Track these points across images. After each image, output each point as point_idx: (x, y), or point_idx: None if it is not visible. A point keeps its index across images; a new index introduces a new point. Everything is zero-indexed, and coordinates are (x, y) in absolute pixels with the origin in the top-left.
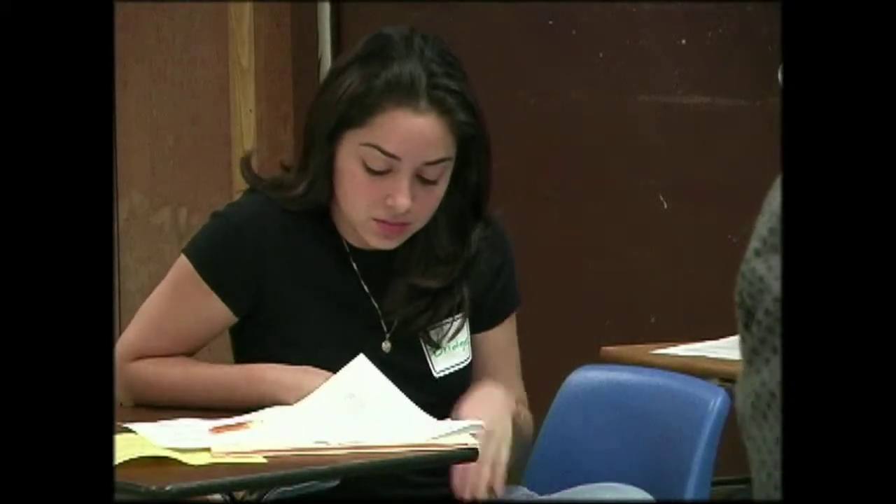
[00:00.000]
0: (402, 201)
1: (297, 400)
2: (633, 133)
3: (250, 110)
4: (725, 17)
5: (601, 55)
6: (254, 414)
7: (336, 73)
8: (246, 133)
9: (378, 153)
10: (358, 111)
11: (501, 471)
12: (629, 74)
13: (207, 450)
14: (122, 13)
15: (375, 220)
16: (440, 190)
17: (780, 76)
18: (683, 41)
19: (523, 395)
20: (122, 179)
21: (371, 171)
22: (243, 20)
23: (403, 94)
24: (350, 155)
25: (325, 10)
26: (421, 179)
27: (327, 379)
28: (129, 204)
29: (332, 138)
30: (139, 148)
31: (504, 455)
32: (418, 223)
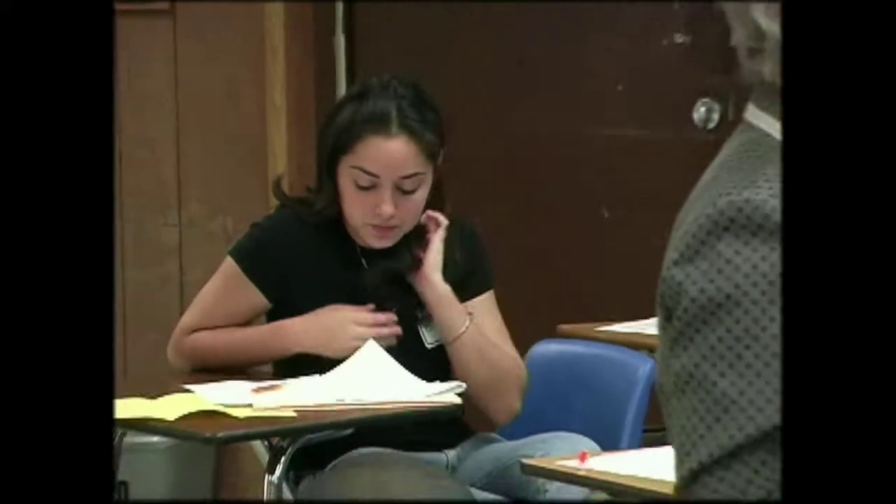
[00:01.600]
0: (387, 209)
1: (316, 339)
2: (583, 156)
3: (282, 139)
4: (651, 68)
5: (561, 90)
6: (286, 380)
7: (331, 112)
8: (280, 158)
9: (362, 173)
10: (345, 141)
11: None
12: (581, 107)
13: (250, 406)
14: (184, 70)
15: (370, 225)
16: (419, 197)
17: (693, 114)
18: (619, 87)
19: (513, 350)
20: (184, 193)
21: (360, 188)
22: (278, 71)
23: (378, 123)
24: (344, 177)
25: (342, 62)
26: (401, 191)
27: (338, 311)
28: (189, 212)
29: (332, 165)
30: (195, 170)
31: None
32: (405, 225)
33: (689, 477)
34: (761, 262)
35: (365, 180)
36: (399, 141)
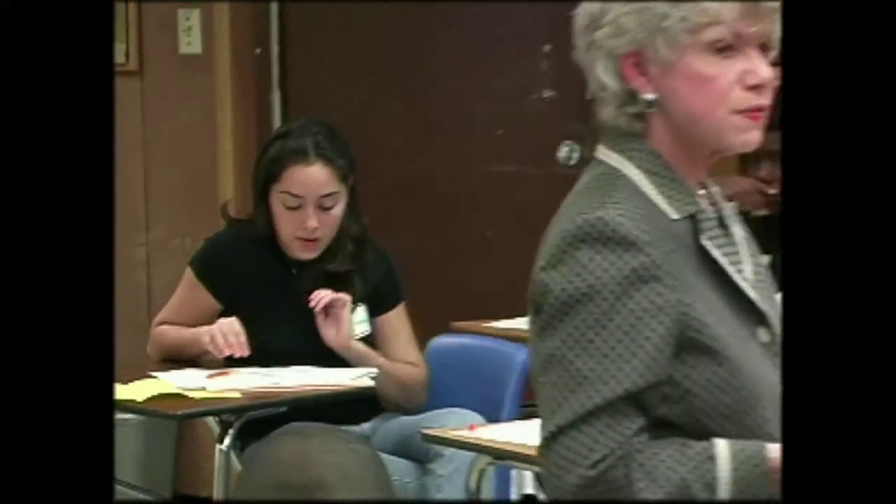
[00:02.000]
0: (311, 224)
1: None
2: (471, 187)
3: (229, 176)
4: (524, 116)
5: (454, 136)
6: (234, 368)
7: (261, 151)
8: (227, 191)
9: (289, 196)
10: (274, 172)
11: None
12: (469, 149)
13: (204, 388)
14: (150, 121)
15: (297, 238)
16: (337, 213)
17: (558, 154)
18: (499, 132)
19: (419, 357)
20: (151, 219)
21: (289, 208)
22: (226, 121)
23: (299, 154)
24: (275, 201)
25: (277, 114)
26: (322, 208)
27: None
28: (154, 235)
29: (265, 193)
30: (160, 201)
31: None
32: (326, 237)
33: (549, 437)
34: (610, 266)
35: (292, 201)
36: (316, 166)
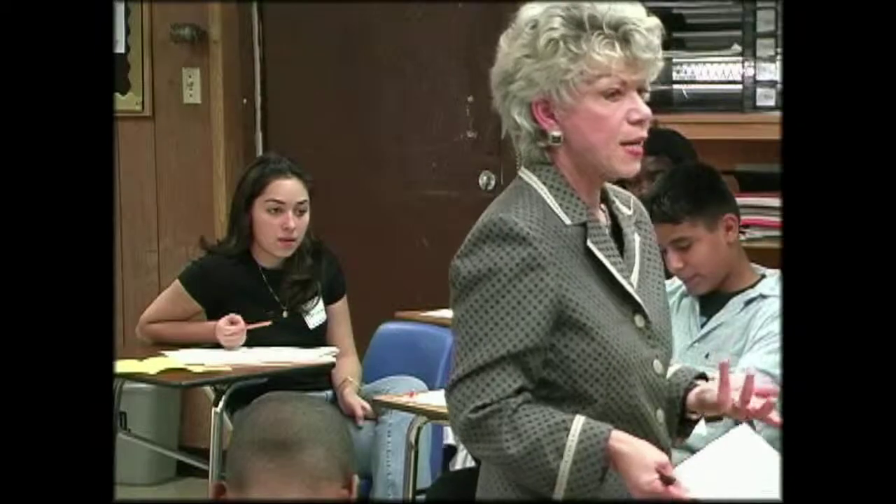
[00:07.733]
0: (291, 224)
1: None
2: (410, 207)
3: (222, 198)
4: (452, 151)
5: (396, 167)
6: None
7: (242, 177)
8: (221, 210)
9: (273, 202)
10: (258, 187)
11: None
12: (408, 177)
13: (202, 364)
14: (160, 156)
15: (278, 239)
16: (307, 219)
17: (479, 181)
18: (433, 165)
19: (351, 343)
20: (161, 232)
21: (272, 214)
22: (220, 156)
23: (279, 172)
24: (260, 210)
25: (260, 149)
26: (297, 213)
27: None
28: (164, 244)
29: (248, 206)
30: (168, 218)
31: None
32: (300, 237)
33: (450, 385)
34: (505, 255)
35: (275, 207)
36: (293, 179)
